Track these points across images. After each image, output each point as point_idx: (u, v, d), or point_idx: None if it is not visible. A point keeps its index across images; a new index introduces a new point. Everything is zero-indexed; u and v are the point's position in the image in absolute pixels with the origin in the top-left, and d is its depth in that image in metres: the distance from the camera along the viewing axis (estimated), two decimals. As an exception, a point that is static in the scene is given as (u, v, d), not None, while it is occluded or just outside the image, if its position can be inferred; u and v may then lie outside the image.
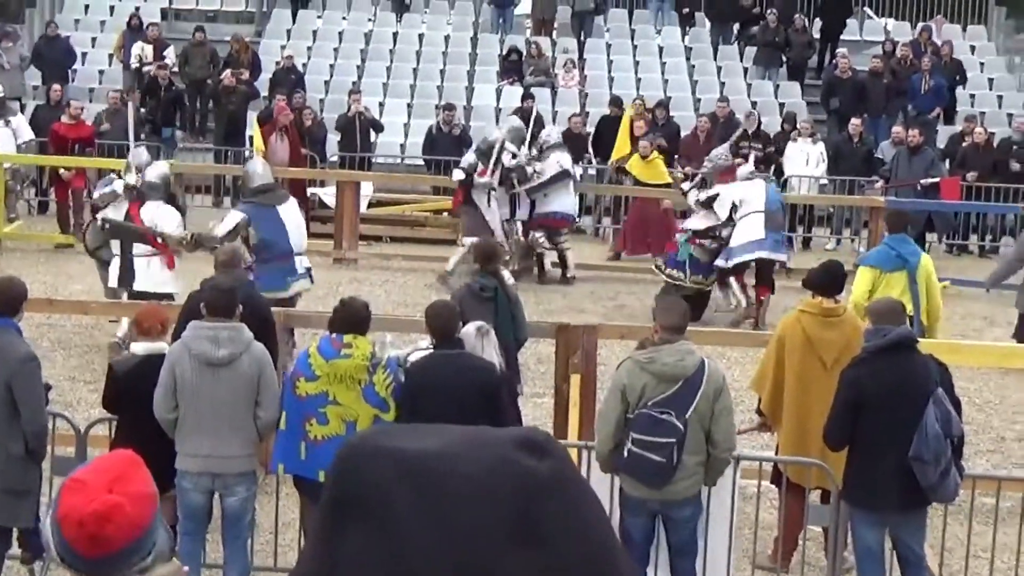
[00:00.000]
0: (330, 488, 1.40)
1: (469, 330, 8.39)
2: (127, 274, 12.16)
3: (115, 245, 12.56)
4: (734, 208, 15.34)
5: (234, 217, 12.46)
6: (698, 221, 15.81)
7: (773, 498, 9.42)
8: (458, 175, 17.35)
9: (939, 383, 7.59)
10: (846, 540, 8.55)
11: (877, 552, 7.81)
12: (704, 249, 15.45)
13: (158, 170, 13.18)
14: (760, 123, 22.43)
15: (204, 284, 8.70)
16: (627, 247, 19.22)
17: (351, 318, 8.07)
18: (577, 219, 18.70)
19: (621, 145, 20.37)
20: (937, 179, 20.73)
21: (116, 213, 12.55)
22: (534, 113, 19.77)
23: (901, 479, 7.48)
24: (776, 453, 9.10)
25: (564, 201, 17.57)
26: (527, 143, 17.76)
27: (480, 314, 9.31)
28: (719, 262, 15.47)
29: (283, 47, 26.28)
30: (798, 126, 22.28)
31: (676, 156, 21.52)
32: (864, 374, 7.67)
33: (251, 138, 20.90)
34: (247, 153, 20.16)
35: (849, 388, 7.71)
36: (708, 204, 15.63)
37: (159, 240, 12.24)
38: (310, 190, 19.76)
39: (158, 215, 12.38)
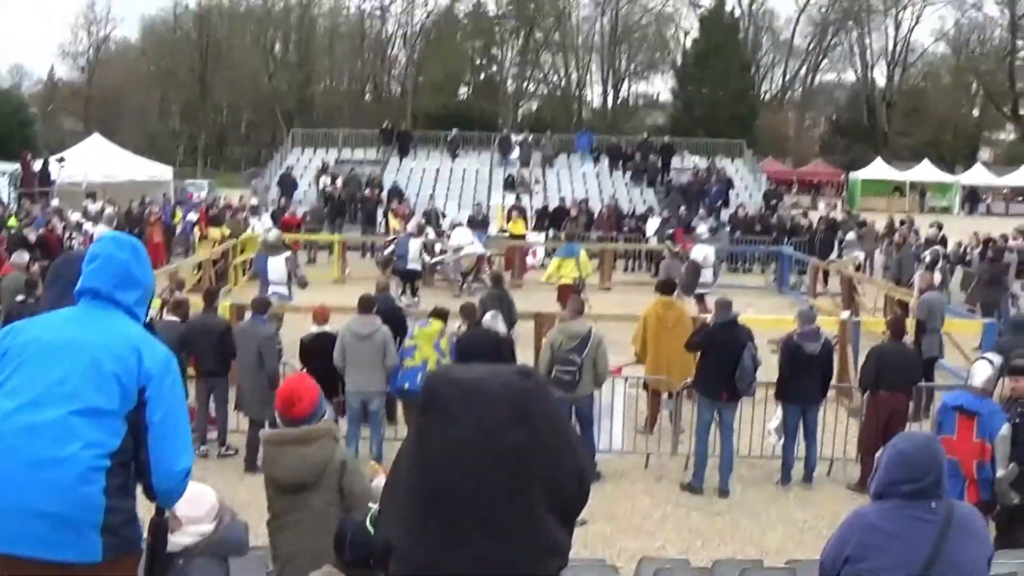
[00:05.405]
0: (421, 398, 1.33)
1: (487, 318, 8.27)
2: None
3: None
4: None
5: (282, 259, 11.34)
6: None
7: (643, 397, 9.29)
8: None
9: (748, 340, 7.51)
10: (680, 419, 8.55)
11: (709, 423, 7.65)
12: None
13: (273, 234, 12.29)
14: (635, 210, 22.35)
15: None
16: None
17: (436, 312, 8.20)
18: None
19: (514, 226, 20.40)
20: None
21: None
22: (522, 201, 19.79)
23: (727, 384, 7.43)
24: (644, 374, 9.01)
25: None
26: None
27: (495, 308, 9.15)
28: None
29: (394, 176, 26.08)
30: (653, 209, 22.33)
31: (591, 226, 21.19)
32: (713, 334, 7.62)
33: (385, 221, 20.83)
34: (378, 230, 20.05)
35: (703, 340, 7.70)
36: None
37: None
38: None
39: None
